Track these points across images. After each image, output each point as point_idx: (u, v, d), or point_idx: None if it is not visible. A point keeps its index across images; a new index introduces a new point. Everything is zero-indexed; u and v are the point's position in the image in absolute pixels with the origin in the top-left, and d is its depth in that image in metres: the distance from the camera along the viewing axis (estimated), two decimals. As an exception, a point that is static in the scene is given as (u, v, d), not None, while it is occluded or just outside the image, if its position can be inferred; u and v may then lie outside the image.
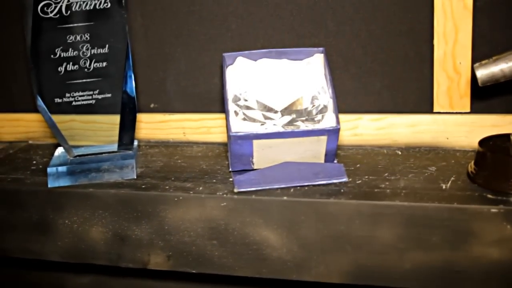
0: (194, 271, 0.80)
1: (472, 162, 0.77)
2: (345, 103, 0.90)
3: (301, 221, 0.74)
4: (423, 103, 0.88)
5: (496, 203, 0.69)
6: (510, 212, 0.68)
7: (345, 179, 0.78)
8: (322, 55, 0.80)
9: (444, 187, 0.74)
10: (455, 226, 0.69)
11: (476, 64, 0.72)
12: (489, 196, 0.71)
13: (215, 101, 0.97)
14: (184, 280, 1.07)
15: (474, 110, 0.86)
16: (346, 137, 0.91)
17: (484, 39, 0.84)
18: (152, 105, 1.00)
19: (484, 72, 0.72)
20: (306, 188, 0.76)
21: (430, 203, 0.70)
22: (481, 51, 0.84)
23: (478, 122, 0.86)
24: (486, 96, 0.86)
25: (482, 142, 0.77)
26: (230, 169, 0.81)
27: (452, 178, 0.76)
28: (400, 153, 0.87)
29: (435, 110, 0.87)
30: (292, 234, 0.74)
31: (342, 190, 0.75)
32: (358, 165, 0.83)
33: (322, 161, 0.79)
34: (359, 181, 0.77)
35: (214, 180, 0.81)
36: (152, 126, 1.00)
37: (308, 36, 0.90)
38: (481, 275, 0.70)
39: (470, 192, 0.72)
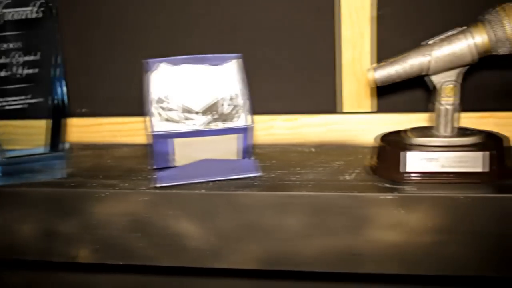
0: (120, 263, 0.85)
1: (374, 156, 0.85)
2: (261, 105, 0.96)
3: (217, 212, 0.80)
4: (333, 104, 0.96)
5: (391, 191, 0.76)
6: (403, 198, 0.75)
7: (259, 174, 0.84)
8: (239, 60, 0.87)
9: (348, 178, 0.81)
10: (356, 213, 0.76)
11: (375, 65, 0.80)
12: (386, 185, 0.78)
13: (142, 105, 1.02)
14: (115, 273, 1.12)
15: (380, 109, 0.95)
16: (263, 136, 0.98)
17: (386, 44, 0.92)
18: (83, 110, 1.05)
19: (381, 73, 0.79)
20: (223, 182, 0.83)
21: (333, 192, 0.77)
22: (384, 56, 0.91)
23: (383, 120, 0.94)
24: (390, 97, 0.94)
25: (383, 137, 0.85)
26: (154, 167, 0.87)
27: (357, 171, 0.84)
28: (313, 150, 0.95)
29: (344, 110, 0.95)
30: (210, 224, 0.80)
31: (255, 183, 0.81)
32: (273, 161, 0.90)
33: (238, 157, 0.86)
34: (272, 175, 0.84)
35: (139, 177, 0.87)
36: (83, 129, 1.05)
37: (227, 43, 0.97)
38: (379, 256, 0.77)
39: (371, 182, 0.79)
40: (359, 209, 0.76)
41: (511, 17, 0.73)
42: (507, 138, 0.82)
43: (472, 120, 0.92)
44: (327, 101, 0.96)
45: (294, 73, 0.96)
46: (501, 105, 0.92)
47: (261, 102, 0.97)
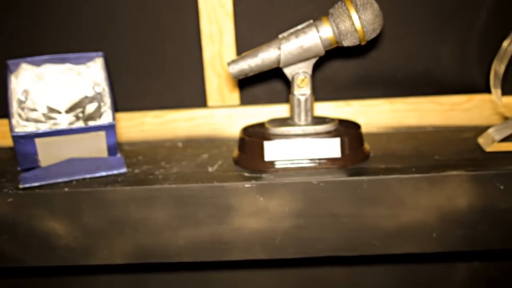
0: (-13, 267, 0.85)
1: (237, 147, 0.88)
2: (131, 102, 0.98)
3: (83, 210, 0.80)
4: (198, 99, 0.98)
5: (250, 179, 0.80)
6: (261, 186, 0.79)
7: (124, 170, 0.86)
8: (101, 59, 0.88)
9: (210, 169, 0.84)
10: (218, 203, 0.79)
11: (229, 61, 0.83)
12: (246, 174, 0.82)
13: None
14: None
15: (243, 102, 0.98)
16: (134, 133, 0.99)
17: (245, 39, 0.96)
18: None
19: (235, 67, 0.83)
20: (88, 180, 0.83)
21: (194, 184, 0.79)
22: (244, 50, 0.95)
23: (247, 113, 0.97)
24: (253, 90, 0.98)
25: (244, 129, 0.89)
26: (19, 168, 0.86)
27: (219, 162, 0.87)
28: (180, 145, 0.97)
29: (209, 105, 0.98)
30: (76, 222, 0.81)
31: (119, 179, 0.83)
32: (139, 157, 0.91)
33: (105, 155, 0.87)
34: (137, 171, 0.86)
35: (4, 180, 0.86)
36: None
37: (90, 43, 0.97)
38: (244, 244, 0.81)
39: (232, 173, 0.83)
40: (221, 199, 0.79)
41: (352, 11, 0.79)
42: (358, 125, 0.87)
43: (330, 108, 0.97)
44: (194, 96, 0.99)
45: (160, 71, 0.98)
46: (357, 94, 0.98)
47: (132, 99, 0.99)
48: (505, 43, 0.84)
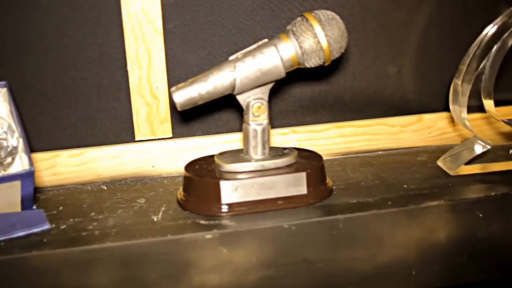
0: None
1: (181, 189, 0.75)
2: (39, 140, 0.81)
3: (2, 283, 0.64)
4: (124, 132, 0.83)
5: (209, 228, 0.67)
6: (224, 235, 0.67)
7: (47, 226, 0.69)
8: (5, 89, 0.71)
9: (155, 219, 0.70)
10: (173, 259, 0.66)
11: (173, 88, 0.70)
12: (202, 222, 0.69)
13: None
14: None
15: (176, 134, 0.85)
16: (45, 177, 0.82)
17: (177, 61, 0.83)
18: None
19: (181, 96, 0.70)
20: (3, 244, 0.66)
21: (143, 239, 0.65)
22: (177, 74, 0.83)
23: (182, 146, 0.84)
24: (186, 120, 0.85)
25: (188, 167, 0.76)
26: None
27: (163, 208, 0.73)
28: (105, 188, 0.81)
29: (137, 139, 0.83)
30: (-7, 299, 0.64)
31: (45, 240, 0.66)
32: (61, 208, 0.75)
33: (19, 209, 0.69)
34: (64, 226, 0.69)
35: None
36: None
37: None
38: (203, 304, 0.68)
39: (183, 221, 0.69)
40: (177, 254, 0.66)
41: (317, 27, 0.69)
42: (320, 156, 0.77)
43: (275, 136, 0.87)
44: (119, 129, 0.83)
45: (74, 100, 0.82)
46: (303, 119, 0.89)
47: (38, 137, 0.82)
48: (462, 63, 0.79)
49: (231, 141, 0.85)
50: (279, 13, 0.84)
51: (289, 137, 0.87)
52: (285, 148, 0.77)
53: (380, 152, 0.91)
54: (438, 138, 0.92)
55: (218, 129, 0.86)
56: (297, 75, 0.83)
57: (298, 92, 0.88)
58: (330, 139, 0.89)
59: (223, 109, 0.85)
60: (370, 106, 0.90)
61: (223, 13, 0.82)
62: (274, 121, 0.87)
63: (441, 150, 0.87)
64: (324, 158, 0.87)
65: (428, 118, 0.91)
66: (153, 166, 0.84)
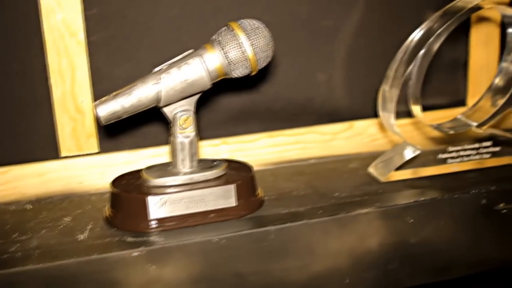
0: None
1: (108, 205, 0.73)
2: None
3: None
4: (49, 148, 0.80)
5: (136, 245, 0.65)
6: (151, 252, 0.65)
7: (-35, 250, 0.66)
8: None
9: (81, 238, 0.68)
10: (99, 279, 0.64)
11: (96, 102, 0.68)
12: (130, 239, 0.67)
13: None
14: None
15: (104, 149, 0.82)
16: (-35, 198, 0.78)
17: (103, 74, 0.80)
18: None
19: (104, 110, 0.68)
20: None
21: (67, 260, 0.63)
22: (102, 87, 0.80)
23: (109, 161, 0.82)
24: (114, 134, 0.83)
25: (115, 182, 0.73)
26: None
27: (90, 226, 0.71)
28: (31, 207, 0.78)
29: (62, 155, 0.81)
30: None
31: (-38, 265, 0.63)
32: (-21, 230, 0.72)
33: None
34: (-17, 249, 0.67)
35: None
36: None
37: None
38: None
39: (110, 238, 0.67)
40: (103, 274, 0.64)
41: (242, 37, 0.68)
42: (249, 166, 0.77)
43: (205, 148, 0.86)
44: (43, 145, 0.80)
45: (-3, 117, 0.79)
46: (234, 130, 0.88)
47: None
48: (390, 69, 0.79)
49: (161, 154, 0.84)
50: (206, 23, 0.82)
51: (220, 148, 0.86)
52: (214, 160, 0.76)
53: (312, 161, 0.90)
54: (369, 144, 0.93)
55: (147, 143, 0.84)
56: (226, 85, 0.82)
57: (228, 102, 0.87)
58: (262, 149, 0.88)
59: (151, 122, 0.84)
60: (301, 114, 0.90)
61: (148, 24, 0.81)
62: (204, 133, 0.85)
63: (373, 157, 0.87)
64: (256, 168, 0.87)
65: (359, 125, 0.92)
66: (80, 183, 0.81)
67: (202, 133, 0.85)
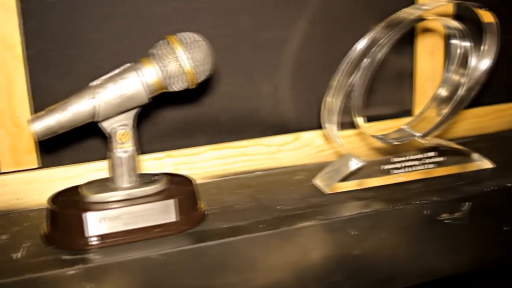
0: None
1: (46, 222, 0.71)
2: None
3: None
4: (-15, 164, 0.79)
5: (73, 263, 0.64)
6: (88, 270, 0.63)
7: None
8: None
9: (16, 257, 0.66)
10: (35, 299, 0.62)
11: (31, 118, 0.66)
12: (66, 257, 0.65)
13: None
14: None
15: (44, 164, 0.81)
16: None
17: (42, 88, 0.79)
18: None
19: (39, 125, 0.66)
20: None
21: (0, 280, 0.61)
22: (42, 101, 0.78)
23: (50, 177, 0.80)
24: (54, 148, 0.81)
25: (53, 199, 0.72)
26: None
27: (26, 244, 0.69)
28: (-34, 225, 0.76)
29: (1, 171, 0.79)
30: None
31: None
32: None
33: None
34: None
35: None
36: None
37: None
38: None
39: (45, 257, 0.65)
40: (39, 294, 0.62)
41: (180, 50, 0.67)
42: (191, 180, 0.76)
43: (149, 162, 0.84)
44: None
45: None
46: (178, 143, 0.87)
47: None
48: (334, 80, 0.79)
49: (104, 168, 0.82)
50: (148, 36, 0.81)
51: (165, 161, 0.85)
52: (155, 174, 0.75)
53: (258, 173, 0.90)
54: (316, 156, 0.92)
55: (90, 157, 0.82)
56: (171, 98, 0.81)
57: (173, 115, 0.86)
58: (207, 161, 0.87)
59: (94, 135, 0.82)
60: (247, 126, 0.89)
61: (87, 37, 0.79)
62: (148, 146, 0.84)
63: (320, 168, 0.86)
64: (201, 181, 0.86)
65: (306, 136, 0.91)
66: (19, 199, 0.79)
67: (146, 146, 0.84)
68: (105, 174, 0.82)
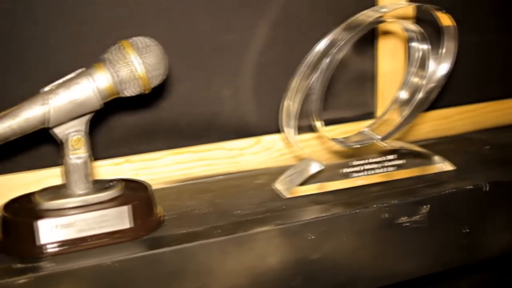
0: None
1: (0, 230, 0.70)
2: None
3: None
4: None
5: (24, 272, 0.63)
6: (39, 278, 0.62)
7: None
8: None
9: (-33, 266, 0.65)
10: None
11: (-17, 123, 0.65)
12: (18, 265, 0.64)
13: None
14: None
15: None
16: None
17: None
18: None
19: (-9, 132, 0.65)
20: None
21: None
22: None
23: (4, 183, 0.79)
24: (9, 154, 0.80)
25: (7, 206, 0.71)
26: None
27: (-24, 253, 0.68)
28: None
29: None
30: None
31: None
32: None
33: None
34: None
35: None
36: None
37: None
38: None
39: (-4, 265, 0.65)
40: (-12, 305, 0.61)
41: (133, 55, 0.66)
42: (147, 186, 0.75)
43: (107, 167, 0.84)
44: None
45: None
46: (137, 148, 0.86)
47: None
48: (293, 83, 0.79)
49: (60, 175, 0.81)
50: (105, 40, 0.80)
51: (123, 167, 0.84)
52: (111, 181, 0.74)
53: (219, 177, 0.90)
54: (278, 159, 0.92)
55: (47, 163, 0.81)
56: (128, 103, 0.80)
57: (131, 120, 0.85)
58: (167, 166, 0.86)
59: (49, 142, 0.81)
60: (208, 130, 0.89)
61: (45, 42, 0.78)
62: (106, 151, 0.83)
63: (281, 172, 0.86)
64: (161, 186, 0.86)
65: (267, 139, 0.91)
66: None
67: (104, 151, 0.83)
68: (61, 180, 0.81)
